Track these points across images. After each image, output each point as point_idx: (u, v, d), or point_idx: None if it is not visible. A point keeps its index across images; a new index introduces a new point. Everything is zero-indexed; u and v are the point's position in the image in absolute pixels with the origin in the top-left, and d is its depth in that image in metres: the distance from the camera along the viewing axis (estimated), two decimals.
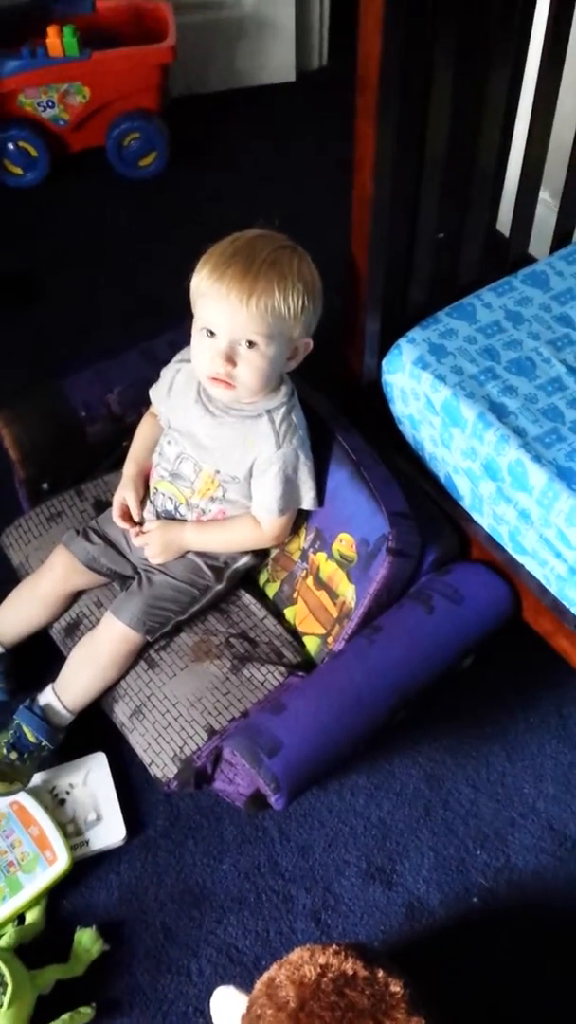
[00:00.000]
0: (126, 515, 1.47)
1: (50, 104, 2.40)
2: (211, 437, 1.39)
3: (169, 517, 1.46)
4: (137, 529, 1.46)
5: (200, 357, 1.32)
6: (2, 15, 2.42)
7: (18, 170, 2.45)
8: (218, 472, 1.40)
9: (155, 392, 1.48)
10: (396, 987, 1.09)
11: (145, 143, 2.46)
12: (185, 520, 1.45)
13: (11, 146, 2.40)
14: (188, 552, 1.46)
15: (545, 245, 1.77)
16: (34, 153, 2.42)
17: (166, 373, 1.46)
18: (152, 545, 1.44)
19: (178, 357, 1.45)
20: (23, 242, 2.34)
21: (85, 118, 2.44)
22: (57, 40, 2.31)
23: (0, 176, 2.45)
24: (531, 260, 1.68)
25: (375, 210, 1.34)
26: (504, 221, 1.87)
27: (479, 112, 1.44)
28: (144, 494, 1.49)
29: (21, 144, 2.40)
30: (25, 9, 2.43)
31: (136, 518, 1.47)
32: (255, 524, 1.42)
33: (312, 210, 2.05)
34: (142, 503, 1.49)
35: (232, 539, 1.44)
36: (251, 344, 1.28)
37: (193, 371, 1.38)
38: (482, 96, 1.42)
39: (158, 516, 1.46)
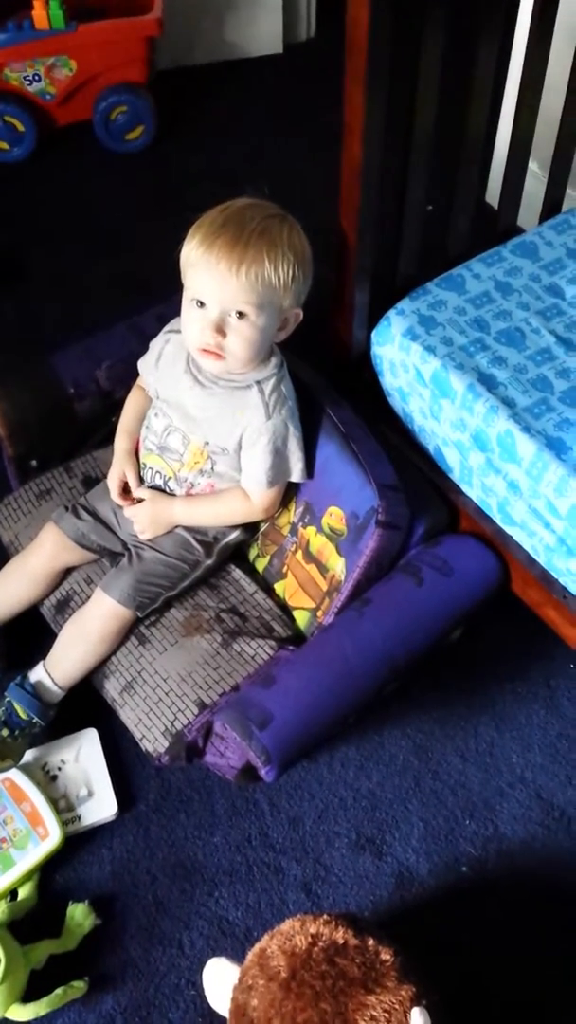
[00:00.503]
0: (126, 490, 1.46)
1: (36, 78, 2.37)
2: (200, 408, 1.38)
3: (159, 491, 1.45)
4: (128, 501, 1.45)
5: (190, 328, 1.32)
6: None
7: (4, 145, 2.43)
8: (207, 443, 1.39)
9: (143, 363, 1.48)
10: (386, 955, 1.10)
11: (132, 117, 2.44)
12: (174, 495, 1.45)
13: None
14: (177, 527, 1.45)
15: (534, 216, 1.76)
16: (20, 128, 2.40)
17: (155, 344, 1.46)
18: (141, 519, 1.44)
19: (167, 328, 1.45)
20: (9, 218, 2.32)
21: (72, 92, 2.41)
22: (43, 13, 2.28)
23: None
24: (520, 231, 1.67)
25: (364, 178, 1.33)
26: (493, 193, 1.86)
27: (468, 82, 1.43)
28: (136, 467, 1.49)
29: (7, 119, 2.38)
30: None
31: (135, 493, 1.46)
32: (245, 497, 1.42)
33: (301, 183, 2.03)
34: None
35: (222, 512, 1.44)
36: (241, 314, 1.27)
37: (183, 341, 1.37)
38: (471, 66, 1.41)
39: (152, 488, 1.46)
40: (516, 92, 1.56)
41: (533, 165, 1.70)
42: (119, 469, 1.47)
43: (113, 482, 1.47)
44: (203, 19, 2.69)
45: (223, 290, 1.26)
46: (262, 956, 1.13)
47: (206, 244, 1.26)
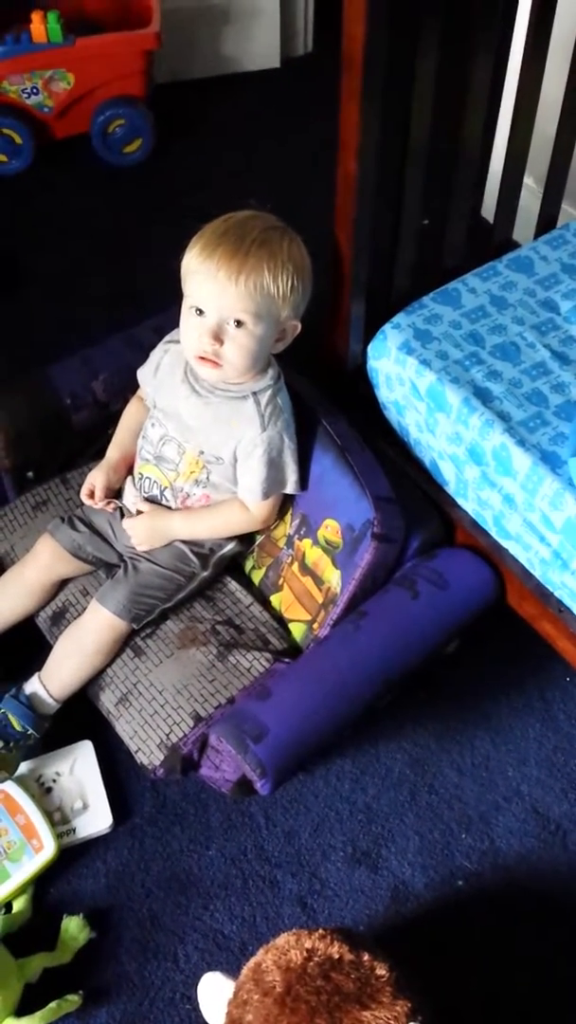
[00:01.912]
0: (90, 495, 1.48)
1: (34, 91, 2.38)
2: (195, 417, 1.39)
3: (154, 503, 1.46)
4: (93, 503, 1.47)
5: (188, 335, 1.32)
6: None
7: (2, 157, 2.43)
8: (202, 453, 1.40)
9: (142, 372, 1.48)
10: (382, 971, 1.10)
11: (130, 130, 2.45)
12: (170, 506, 1.45)
13: None
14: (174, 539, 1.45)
15: (529, 231, 1.77)
16: (18, 140, 2.41)
17: (154, 354, 1.47)
18: (138, 532, 1.44)
19: (167, 338, 1.45)
20: (6, 229, 2.33)
21: (69, 105, 2.42)
22: (41, 26, 2.29)
23: None
24: (515, 246, 1.68)
25: (359, 192, 1.33)
26: (489, 207, 1.86)
27: (464, 96, 1.44)
28: (122, 479, 1.50)
29: (5, 131, 2.38)
30: None
31: (97, 505, 1.48)
32: (243, 508, 1.42)
33: (297, 197, 2.03)
34: (119, 490, 1.49)
35: (220, 525, 1.44)
36: (239, 323, 1.28)
37: (181, 351, 1.37)
38: (467, 80, 1.41)
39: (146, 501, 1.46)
40: (512, 107, 1.57)
41: (529, 180, 1.71)
42: (95, 475, 1.49)
43: (86, 484, 1.49)
44: (201, 33, 2.70)
45: (222, 298, 1.27)
46: (257, 971, 1.12)
47: (206, 253, 1.27)
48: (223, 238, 1.27)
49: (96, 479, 1.48)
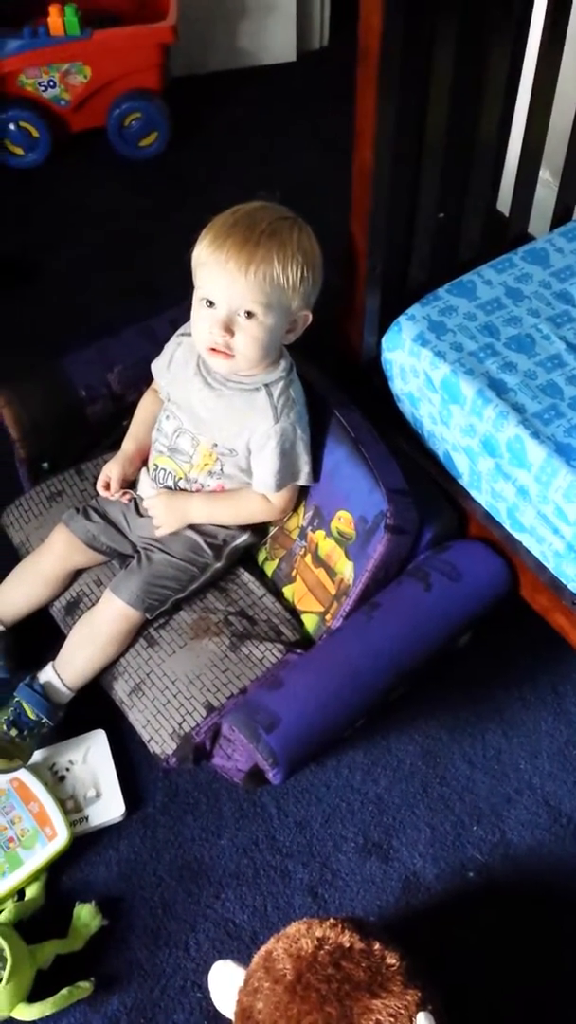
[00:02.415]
0: (106, 487, 1.49)
1: (51, 84, 2.39)
2: (209, 409, 1.39)
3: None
4: (108, 494, 1.48)
5: (199, 327, 1.33)
6: None
7: (19, 150, 2.44)
8: (215, 445, 1.40)
9: (156, 365, 1.49)
10: (392, 959, 1.10)
11: (146, 123, 2.45)
12: None
13: (12, 126, 2.39)
14: (188, 529, 1.46)
15: (544, 224, 1.76)
16: (35, 133, 2.42)
17: (167, 347, 1.47)
18: (158, 511, 1.44)
19: (180, 331, 1.46)
20: (23, 222, 2.34)
21: (86, 98, 2.43)
22: (58, 19, 2.30)
23: (1, 156, 2.45)
24: (530, 239, 1.67)
25: (375, 184, 1.33)
26: (504, 200, 1.86)
27: (480, 88, 1.43)
28: (137, 471, 1.51)
29: (22, 124, 2.39)
30: None
31: (113, 496, 1.49)
32: (262, 498, 1.43)
33: (312, 189, 2.04)
34: (134, 481, 1.50)
35: (241, 512, 1.45)
36: (249, 314, 1.28)
37: (193, 344, 1.38)
38: (483, 72, 1.41)
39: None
40: (528, 99, 1.56)
41: (544, 173, 1.70)
42: (110, 467, 1.50)
43: (101, 476, 1.50)
44: (217, 27, 2.71)
45: (232, 289, 1.27)
46: (268, 959, 1.13)
47: (216, 244, 1.27)
48: (233, 229, 1.28)
49: (112, 471, 1.49)
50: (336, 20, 2.86)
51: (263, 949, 1.15)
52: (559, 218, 1.75)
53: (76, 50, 2.35)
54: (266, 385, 1.37)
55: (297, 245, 1.28)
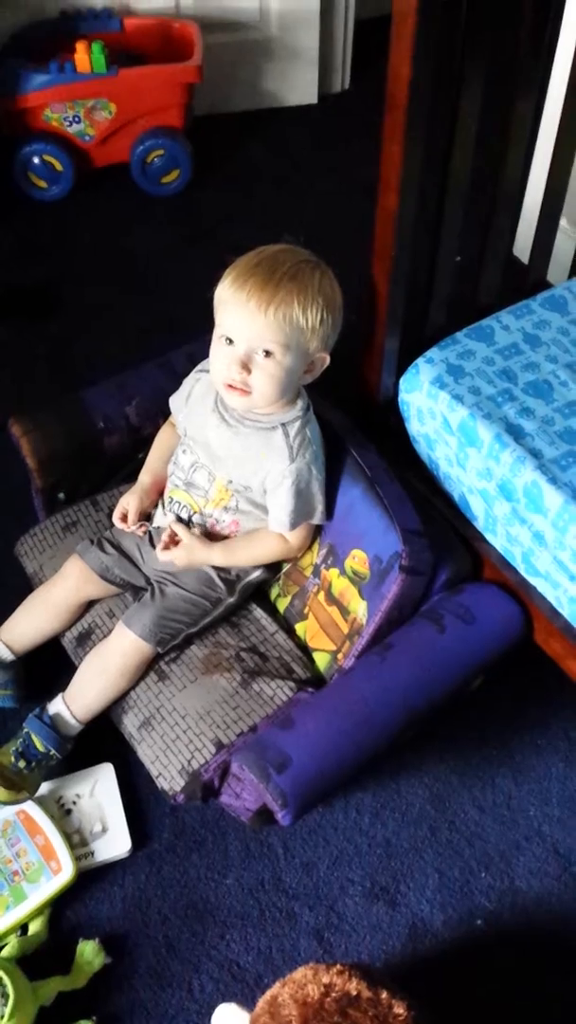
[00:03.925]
0: (123, 519, 1.49)
1: (76, 119, 2.42)
2: (225, 447, 1.40)
3: (195, 536, 1.46)
4: (166, 540, 1.45)
5: (217, 364, 1.34)
6: (31, 31, 2.45)
7: (43, 183, 2.47)
8: (231, 482, 1.41)
9: (175, 400, 1.50)
10: (400, 1009, 1.09)
11: (169, 160, 2.48)
12: (197, 529, 1.45)
13: (36, 160, 2.42)
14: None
15: (562, 272, 1.78)
16: (59, 167, 2.45)
17: (186, 382, 1.48)
18: (177, 562, 1.44)
19: (199, 367, 1.47)
20: (45, 255, 2.36)
21: (110, 134, 2.46)
22: (85, 56, 2.33)
23: (25, 189, 2.48)
24: (549, 286, 1.69)
25: (398, 229, 1.35)
26: (520, 247, 1.88)
27: (504, 137, 1.45)
28: (153, 504, 1.51)
29: (46, 158, 2.42)
30: (54, 25, 2.46)
31: (129, 528, 1.49)
32: (280, 537, 1.43)
33: (331, 231, 2.05)
34: (149, 514, 1.50)
35: (259, 555, 1.46)
36: (268, 353, 1.30)
37: (212, 381, 1.39)
38: (507, 121, 1.43)
39: (179, 520, 1.46)
40: (550, 147, 1.58)
41: (563, 221, 1.72)
42: (128, 499, 1.50)
43: (118, 508, 1.50)
44: (241, 68, 2.75)
45: (251, 328, 1.28)
46: (273, 1004, 1.11)
47: (238, 283, 1.29)
48: (256, 269, 1.29)
49: (129, 503, 1.50)
50: (357, 64, 2.91)
51: (268, 994, 1.14)
52: None
53: (102, 87, 2.38)
54: (283, 424, 1.38)
55: (318, 288, 1.30)
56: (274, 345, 1.29)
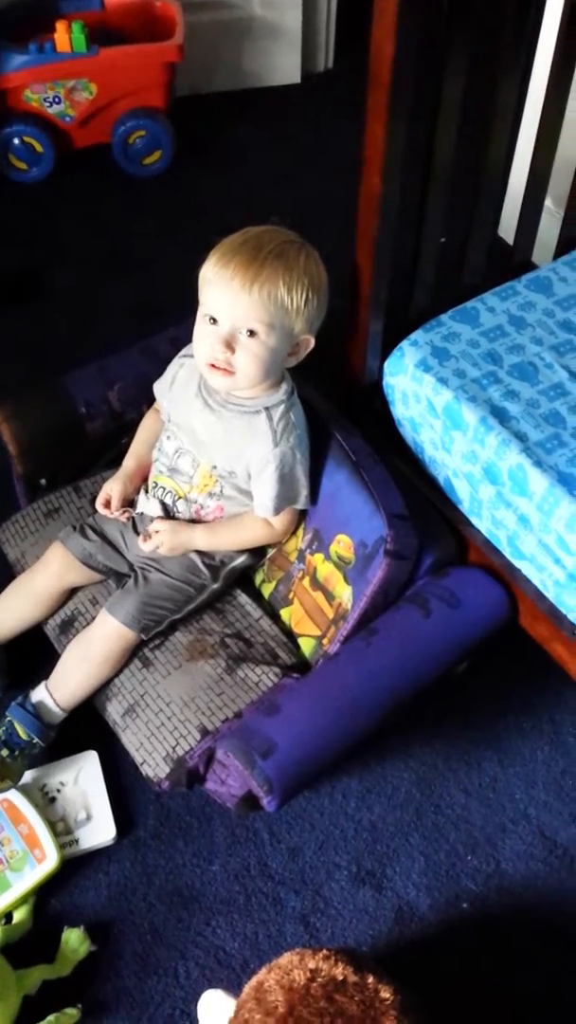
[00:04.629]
0: (106, 505, 1.48)
1: (56, 100, 2.39)
2: (209, 431, 1.39)
3: (167, 511, 1.45)
4: (108, 512, 1.46)
5: (200, 344, 1.33)
6: (11, 10, 2.41)
7: (23, 165, 2.44)
8: (215, 467, 1.40)
9: (159, 386, 1.48)
10: (386, 993, 1.09)
11: (150, 141, 2.46)
12: (183, 516, 1.44)
13: (16, 141, 2.39)
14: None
15: (547, 253, 1.77)
16: (39, 149, 2.42)
17: (170, 368, 1.47)
18: (162, 548, 1.43)
19: (182, 352, 1.45)
20: (25, 238, 2.34)
21: (91, 115, 2.43)
22: (65, 36, 2.30)
23: (5, 171, 2.45)
24: (534, 267, 1.67)
25: (382, 210, 1.33)
26: (505, 228, 1.86)
27: (488, 117, 1.44)
28: (137, 489, 1.49)
29: (26, 139, 2.39)
30: (33, 5, 2.42)
31: (113, 514, 1.47)
32: (264, 522, 1.42)
33: (315, 211, 2.04)
34: (133, 501, 1.49)
35: (242, 538, 1.45)
36: (251, 333, 1.28)
37: (196, 365, 1.37)
38: (492, 101, 1.41)
39: (163, 509, 1.45)
40: (534, 129, 1.57)
41: (547, 202, 1.71)
42: (111, 485, 1.49)
43: (102, 494, 1.49)
44: (223, 47, 2.72)
45: (235, 306, 1.27)
46: (259, 990, 1.11)
47: (223, 262, 1.28)
48: (240, 248, 1.28)
49: (113, 489, 1.48)
50: (341, 43, 2.88)
51: (254, 980, 1.13)
52: (563, 247, 1.75)
53: (82, 67, 2.35)
54: (266, 408, 1.37)
55: (304, 269, 1.29)
56: (258, 324, 1.28)
